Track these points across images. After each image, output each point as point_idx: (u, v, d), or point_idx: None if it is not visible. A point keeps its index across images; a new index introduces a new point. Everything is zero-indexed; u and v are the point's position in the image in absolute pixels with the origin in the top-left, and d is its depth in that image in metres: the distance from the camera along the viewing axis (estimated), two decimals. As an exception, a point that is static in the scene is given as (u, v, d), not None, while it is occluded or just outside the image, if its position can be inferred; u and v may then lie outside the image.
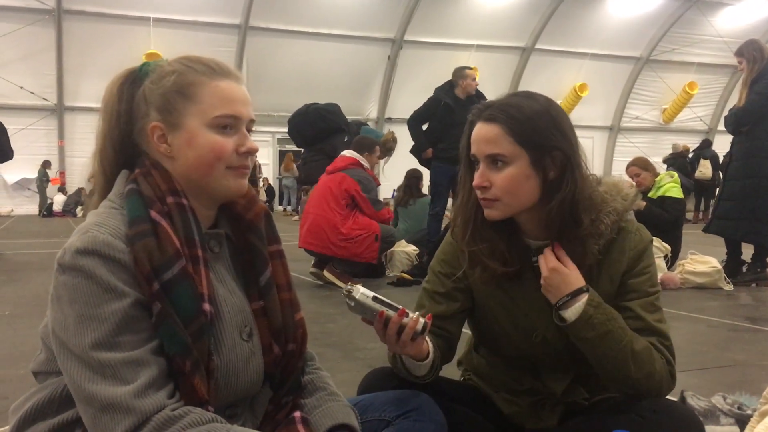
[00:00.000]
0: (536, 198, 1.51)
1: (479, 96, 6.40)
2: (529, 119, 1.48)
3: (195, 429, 1.10)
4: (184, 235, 1.20)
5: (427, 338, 1.51)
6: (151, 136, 1.25)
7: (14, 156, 8.00)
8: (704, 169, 14.61)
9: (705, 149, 15.03)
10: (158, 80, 1.25)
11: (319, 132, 7.01)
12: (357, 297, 1.39)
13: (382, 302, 1.40)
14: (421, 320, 1.41)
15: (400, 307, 1.41)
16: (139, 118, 1.26)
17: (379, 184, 6.19)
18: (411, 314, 1.41)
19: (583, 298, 1.47)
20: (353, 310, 1.41)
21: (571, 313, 1.47)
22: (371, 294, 1.41)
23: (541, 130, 1.48)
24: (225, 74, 1.27)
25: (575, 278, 1.49)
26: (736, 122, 5.79)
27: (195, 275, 1.18)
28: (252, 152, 1.28)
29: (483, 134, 1.50)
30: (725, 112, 6.43)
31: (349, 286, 1.41)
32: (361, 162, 5.97)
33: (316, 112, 7.06)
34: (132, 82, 1.28)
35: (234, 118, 1.25)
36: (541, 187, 1.50)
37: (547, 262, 1.50)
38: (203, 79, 1.25)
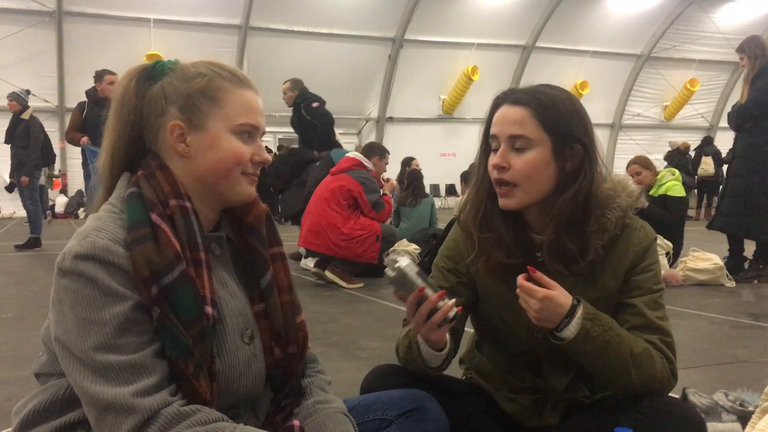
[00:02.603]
0: (551, 189, 1.51)
1: None
2: (556, 106, 1.49)
3: (203, 427, 1.11)
4: (187, 238, 1.20)
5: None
6: (170, 134, 1.26)
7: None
8: (706, 165, 14.58)
9: (706, 146, 15.00)
10: (184, 80, 1.27)
11: (293, 167, 7.19)
12: (402, 267, 1.38)
13: (424, 279, 1.41)
14: (454, 309, 1.41)
15: (439, 290, 1.41)
16: (155, 115, 1.27)
17: (382, 186, 6.21)
18: (447, 300, 1.41)
19: (579, 313, 1.44)
20: (392, 281, 1.40)
21: (569, 331, 1.44)
22: (416, 268, 1.40)
23: (566, 120, 1.49)
24: (248, 85, 1.31)
25: (563, 296, 1.45)
26: (738, 119, 5.77)
27: (197, 278, 1.18)
28: (265, 163, 1.32)
29: (509, 115, 1.50)
30: (727, 109, 6.41)
31: (394, 255, 1.40)
32: (365, 163, 5.98)
33: (287, 153, 7.31)
34: (146, 78, 1.29)
35: (254, 128, 1.29)
36: (557, 178, 1.50)
37: (533, 294, 1.43)
38: (229, 86, 1.28)
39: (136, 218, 1.19)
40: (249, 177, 1.30)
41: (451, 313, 1.41)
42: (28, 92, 8.75)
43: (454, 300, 1.42)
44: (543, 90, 1.53)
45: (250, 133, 1.29)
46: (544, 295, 1.43)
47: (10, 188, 8.90)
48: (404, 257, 1.40)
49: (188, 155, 1.26)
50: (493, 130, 1.53)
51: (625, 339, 1.46)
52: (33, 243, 8.55)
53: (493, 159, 1.51)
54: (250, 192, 1.32)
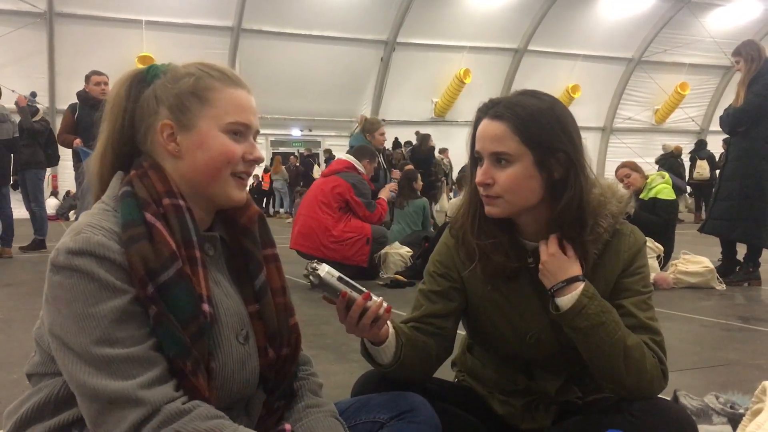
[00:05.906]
0: (539, 198, 1.52)
1: None
2: (534, 119, 1.49)
3: (204, 422, 1.11)
4: (181, 237, 1.20)
5: (389, 323, 1.51)
6: (160, 134, 1.26)
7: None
8: (701, 169, 14.60)
9: (701, 150, 15.03)
10: (174, 81, 1.27)
11: None
12: (322, 275, 1.39)
13: (347, 283, 1.41)
14: (383, 305, 1.42)
15: (365, 290, 1.41)
16: (146, 116, 1.27)
17: (373, 188, 6.21)
18: (375, 298, 1.42)
19: (579, 288, 1.48)
20: (316, 288, 1.41)
21: (565, 301, 1.48)
22: (337, 274, 1.41)
23: (546, 131, 1.49)
24: (239, 84, 1.30)
25: (573, 267, 1.50)
26: (733, 122, 5.74)
27: (193, 276, 1.18)
28: (258, 161, 1.31)
29: (489, 132, 1.51)
30: (717, 113, 6.44)
31: (315, 264, 1.40)
32: (357, 166, 5.99)
33: None
34: (140, 82, 1.29)
35: (245, 126, 1.28)
36: (545, 188, 1.51)
37: (548, 247, 1.51)
38: (219, 85, 1.27)
39: (130, 217, 1.18)
40: (238, 180, 1.29)
41: (381, 310, 1.42)
42: (34, 95, 8.82)
43: (381, 298, 1.43)
44: (523, 101, 1.52)
45: (241, 132, 1.28)
46: (554, 251, 1.51)
47: (14, 186, 8.89)
48: (323, 265, 1.41)
49: (179, 155, 1.26)
50: (476, 146, 1.55)
51: (622, 327, 1.48)
52: (38, 244, 8.52)
53: (478, 176, 1.53)
54: (240, 196, 1.30)
